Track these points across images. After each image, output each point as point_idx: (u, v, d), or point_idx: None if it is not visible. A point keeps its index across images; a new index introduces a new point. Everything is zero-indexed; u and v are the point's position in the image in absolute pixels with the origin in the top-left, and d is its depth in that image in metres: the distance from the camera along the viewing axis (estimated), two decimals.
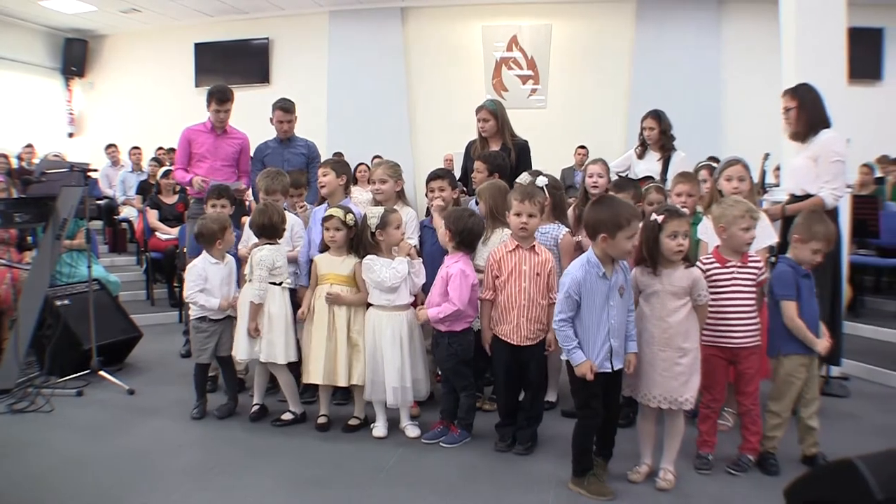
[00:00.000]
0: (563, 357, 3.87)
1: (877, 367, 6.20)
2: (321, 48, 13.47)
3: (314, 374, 4.80)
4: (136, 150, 12.15)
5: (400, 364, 4.64)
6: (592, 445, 3.95)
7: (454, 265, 4.55)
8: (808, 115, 5.27)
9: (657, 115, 6.34)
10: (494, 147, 5.96)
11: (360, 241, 4.85)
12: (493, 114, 5.93)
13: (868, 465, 3.23)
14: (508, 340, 4.39)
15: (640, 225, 3.87)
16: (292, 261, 5.33)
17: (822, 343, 4.15)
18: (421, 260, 4.85)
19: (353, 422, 4.89)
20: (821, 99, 5.30)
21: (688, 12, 12.46)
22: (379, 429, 4.76)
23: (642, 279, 3.94)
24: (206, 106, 6.60)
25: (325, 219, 4.89)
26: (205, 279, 5.06)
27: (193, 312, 5.15)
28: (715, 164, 5.28)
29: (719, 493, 3.92)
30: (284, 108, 6.64)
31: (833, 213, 5.17)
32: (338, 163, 5.65)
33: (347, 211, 4.84)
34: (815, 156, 5.17)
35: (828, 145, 5.17)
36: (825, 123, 5.23)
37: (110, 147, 12.42)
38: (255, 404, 5.15)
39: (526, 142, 6.12)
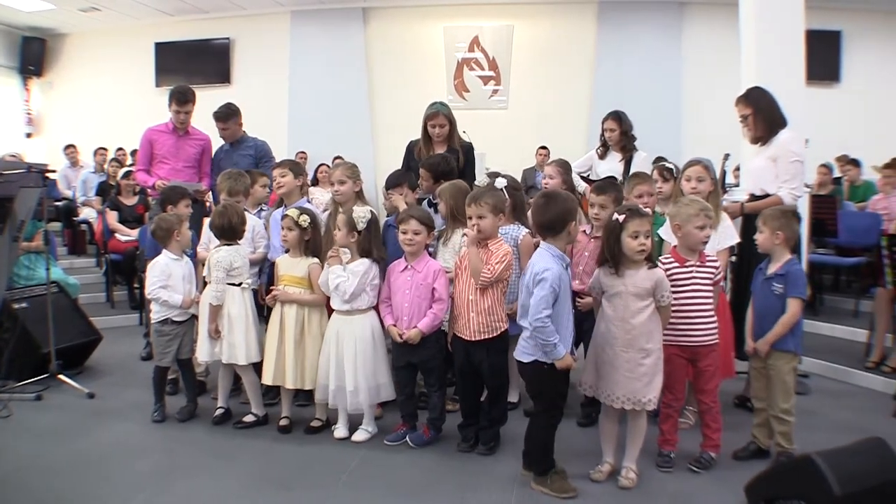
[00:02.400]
0: (530, 356, 3.86)
1: (835, 364, 6.30)
2: (282, 48, 13.36)
3: (265, 374, 4.83)
4: (102, 151, 12.01)
5: (362, 367, 4.62)
6: (554, 443, 3.96)
7: (433, 264, 4.63)
8: (765, 118, 5.31)
9: (618, 117, 6.38)
10: (440, 150, 5.96)
11: (318, 242, 4.87)
12: (449, 119, 5.93)
13: (827, 461, 3.28)
14: (462, 336, 4.40)
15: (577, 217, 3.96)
16: (255, 262, 5.31)
17: (748, 341, 4.36)
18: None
19: (315, 423, 4.87)
20: (774, 100, 5.35)
21: (649, 15, 12.52)
22: (340, 430, 4.75)
23: (605, 280, 3.97)
24: (168, 106, 6.55)
25: (283, 217, 4.90)
26: (168, 275, 5.02)
27: (155, 315, 5.07)
28: (669, 165, 5.32)
29: (681, 490, 3.96)
30: (216, 116, 6.66)
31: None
32: (296, 164, 5.69)
33: (302, 212, 4.82)
34: (775, 156, 5.21)
35: (786, 145, 5.21)
36: (782, 124, 5.28)
37: (69, 147, 12.26)
38: (220, 407, 5.10)
39: (470, 143, 6.16)
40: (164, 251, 5.10)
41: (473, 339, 4.34)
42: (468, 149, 6.07)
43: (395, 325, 4.58)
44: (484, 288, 4.29)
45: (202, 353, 4.97)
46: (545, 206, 3.90)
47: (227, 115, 6.65)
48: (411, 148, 6.16)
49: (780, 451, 4.21)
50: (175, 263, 5.08)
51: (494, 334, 4.33)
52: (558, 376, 3.82)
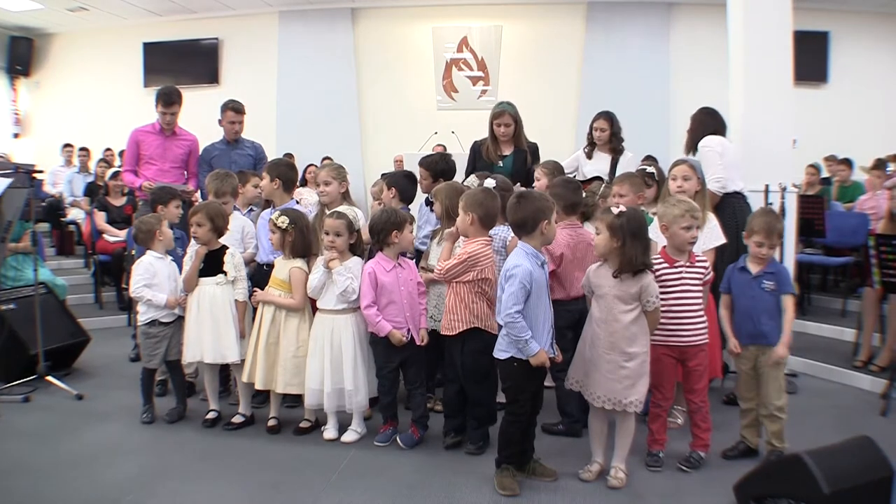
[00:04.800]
0: (506, 353, 3.88)
1: (823, 363, 6.32)
2: (271, 48, 13.32)
3: (244, 372, 4.88)
4: (83, 152, 12.01)
5: (362, 365, 4.67)
6: (519, 438, 3.98)
7: (409, 260, 4.77)
8: (689, 135, 5.88)
9: (609, 117, 6.38)
10: (506, 149, 6.06)
11: (301, 244, 4.84)
12: (515, 118, 5.99)
13: (815, 460, 3.30)
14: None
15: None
16: (245, 261, 5.30)
17: (731, 341, 4.35)
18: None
19: (304, 424, 4.87)
20: (712, 121, 5.81)
21: (638, 16, 12.52)
22: (330, 431, 4.75)
23: (594, 280, 3.99)
24: (154, 107, 6.54)
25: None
26: (153, 274, 4.98)
27: (142, 317, 5.04)
28: (651, 170, 5.39)
29: (670, 489, 3.97)
30: (236, 108, 6.61)
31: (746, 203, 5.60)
32: (276, 166, 5.64)
33: (281, 214, 4.81)
34: (698, 156, 5.58)
35: (702, 144, 5.66)
36: (702, 137, 5.71)
37: (67, 147, 12.34)
38: (211, 410, 5.08)
39: (536, 144, 6.23)
40: (149, 251, 5.08)
41: (444, 333, 4.44)
42: (535, 149, 6.16)
43: (397, 330, 4.54)
44: (450, 285, 4.38)
45: (191, 354, 4.97)
46: (517, 206, 3.93)
47: (244, 109, 6.69)
48: (477, 148, 6.19)
49: (771, 449, 4.22)
50: (160, 262, 5.06)
51: (452, 333, 4.36)
52: (529, 375, 3.86)
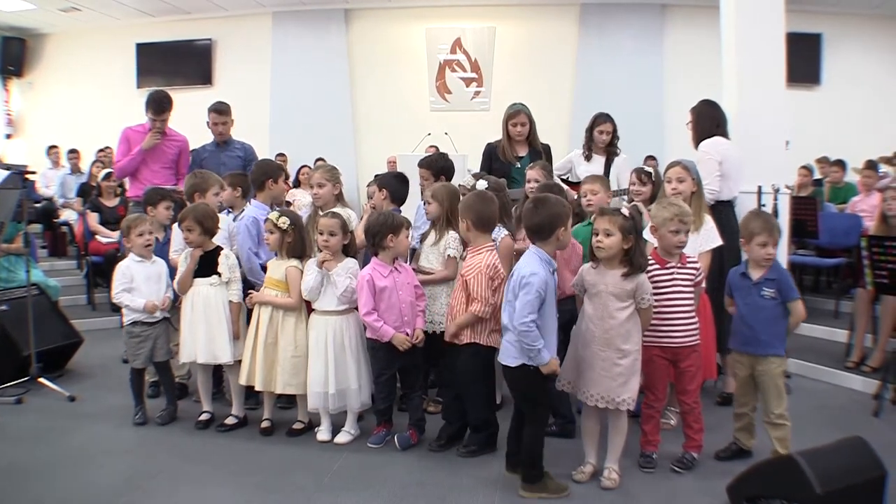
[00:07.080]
0: (517, 360, 3.85)
1: (815, 364, 6.34)
2: (264, 49, 13.32)
3: (241, 374, 4.87)
4: (73, 154, 11.99)
5: (365, 363, 4.71)
6: (540, 449, 3.94)
7: (405, 263, 4.72)
8: (697, 127, 5.78)
9: (613, 120, 6.39)
10: (521, 150, 6.12)
11: (298, 244, 4.83)
12: (529, 119, 6.04)
13: (808, 461, 3.31)
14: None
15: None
16: None
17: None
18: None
19: (297, 426, 4.86)
20: (715, 113, 5.76)
21: (631, 17, 12.53)
22: (323, 433, 4.74)
23: (588, 278, 3.99)
24: (145, 112, 6.54)
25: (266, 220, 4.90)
26: (130, 278, 4.96)
27: (126, 318, 5.03)
28: (649, 169, 5.42)
29: (663, 490, 3.98)
30: (218, 110, 6.62)
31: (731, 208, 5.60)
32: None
33: (282, 214, 4.80)
34: (698, 161, 5.45)
35: (702, 149, 5.61)
36: (710, 134, 5.67)
37: (53, 148, 12.33)
38: (204, 411, 5.07)
39: (548, 145, 6.30)
40: (130, 254, 5.07)
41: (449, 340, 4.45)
42: (548, 150, 6.21)
43: (399, 333, 4.52)
44: (459, 297, 4.38)
45: (185, 355, 4.97)
46: (534, 211, 3.87)
47: (227, 110, 6.66)
48: (492, 149, 6.19)
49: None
50: (139, 265, 5.03)
51: (457, 341, 4.38)
52: (542, 379, 3.84)
